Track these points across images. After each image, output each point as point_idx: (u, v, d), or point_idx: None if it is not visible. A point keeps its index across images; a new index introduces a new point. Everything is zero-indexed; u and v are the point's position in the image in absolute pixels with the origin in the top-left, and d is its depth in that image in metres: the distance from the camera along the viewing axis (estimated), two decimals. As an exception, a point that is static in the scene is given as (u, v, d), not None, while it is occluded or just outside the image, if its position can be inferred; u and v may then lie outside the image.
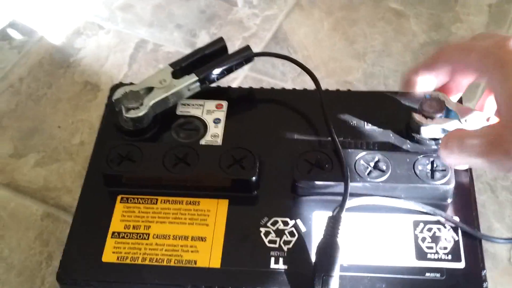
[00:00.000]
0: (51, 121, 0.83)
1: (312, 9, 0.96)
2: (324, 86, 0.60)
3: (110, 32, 0.92)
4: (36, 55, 0.90)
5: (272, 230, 0.51)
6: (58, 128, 0.83)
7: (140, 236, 0.51)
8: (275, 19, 0.94)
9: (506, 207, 0.76)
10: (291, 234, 0.51)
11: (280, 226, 0.51)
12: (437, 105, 0.54)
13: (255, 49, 0.90)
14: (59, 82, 0.87)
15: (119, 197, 0.53)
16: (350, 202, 0.51)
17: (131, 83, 0.58)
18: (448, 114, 0.54)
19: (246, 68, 0.88)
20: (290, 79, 0.86)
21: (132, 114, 0.55)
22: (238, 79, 0.87)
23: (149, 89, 0.56)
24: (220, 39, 0.58)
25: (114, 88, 0.58)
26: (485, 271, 0.49)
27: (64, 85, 0.86)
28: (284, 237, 0.51)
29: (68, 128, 0.83)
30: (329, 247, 0.48)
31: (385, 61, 0.90)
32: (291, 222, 0.52)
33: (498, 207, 0.76)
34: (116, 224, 0.52)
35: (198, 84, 0.57)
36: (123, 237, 0.51)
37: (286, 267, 0.49)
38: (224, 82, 0.63)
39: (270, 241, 0.51)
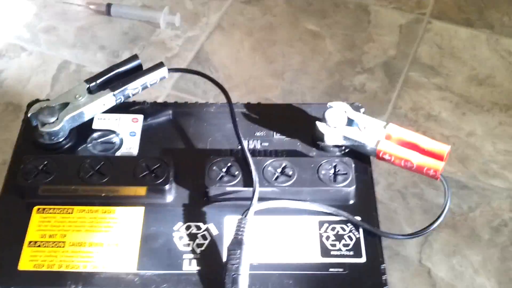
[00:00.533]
0: (-26, 142, 0.84)
1: (233, 31, 1.00)
2: (244, 102, 0.63)
3: (32, 53, 0.94)
4: (-43, 78, 0.91)
5: (186, 234, 0.54)
6: (-19, 148, 0.83)
7: (56, 244, 0.53)
8: (197, 40, 0.98)
9: (416, 213, 0.80)
10: (204, 237, 0.54)
11: (193, 230, 0.54)
12: (338, 115, 0.58)
13: (175, 73, 0.93)
14: (-19, 104, 0.87)
15: (35, 208, 0.55)
16: (259, 206, 0.54)
17: (47, 99, 0.59)
18: (349, 122, 0.58)
19: (168, 87, 0.91)
20: (212, 97, 0.89)
21: (48, 128, 0.57)
22: (161, 97, 0.89)
23: (65, 104, 0.58)
24: (135, 56, 0.61)
25: (31, 104, 0.59)
26: (384, 265, 0.52)
27: (-13, 106, 0.87)
28: (197, 241, 0.53)
29: (-10, 149, 0.83)
30: (237, 247, 0.51)
31: (303, 79, 0.95)
32: (204, 227, 0.54)
33: (409, 213, 0.80)
34: (33, 233, 0.53)
35: (113, 99, 0.59)
36: (39, 246, 0.52)
37: (199, 268, 0.52)
38: (148, 99, 0.65)
39: (184, 245, 0.53)
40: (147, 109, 0.62)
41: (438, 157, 0.55)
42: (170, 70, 0.61)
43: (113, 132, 0.60)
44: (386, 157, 0.56)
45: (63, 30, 0.97)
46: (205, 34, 0.99)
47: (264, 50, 0.98)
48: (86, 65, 0.92)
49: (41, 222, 0.54)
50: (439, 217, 0.54)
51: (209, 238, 0.54)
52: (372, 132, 0.57)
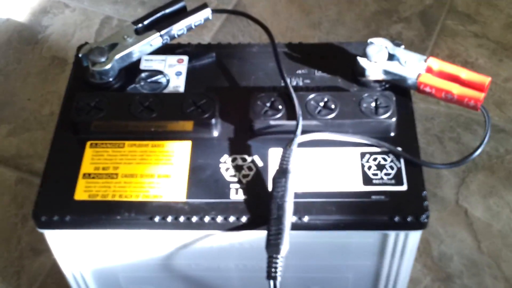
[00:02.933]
0: (22, 94, 0.87)
1: (269, -17, 1.01)
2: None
3: (75, 10, 0.96)
4: (4, 33, 0.94)
5: (232, 166, 0.56)
6: (28, 100, 0.86)
7: (109, 176, 0.55)
8: (234, -7, 0.99)
9: (453, 156, 0.82)
10: (249, 168, 0.56)
11: (239, 162, 0.56)
12: (379, 49, 0.59)
13: (217, 22, 0.95)
14: (28, 58, 0.90)
15: (88, 143, 0.57)
16: (302, 137, 0.55)
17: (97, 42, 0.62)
18: (390, 57, 0.59)
19: (207, 40, 0.92)
20: (253, 44, 0.90)
21: (98, 67, 0.59)
22: (202, 47, 0.91)
23: (114, 45, 0.60)
24: (179, -1, 0.63)
25: (81, 46, 0.62)
26: (425, 192, 0.54)
27: (33, 60, 0.90)
28: (243, 172, 0.55)
29: (38, 100, 0.86)
30: (283, 176, 0.53)
31: (339, 29, 0.96)
32: (249, 159, 0.56)
33: (446, 156, 0.82)
34: (87, 166, 0.56)
35: (159, 39, 0.61)
36: (93, 178, 0.55)
37: (245, 197, 0.54)
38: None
39: (230, 176, 0.55)
40: (192, 50, 0.64)
41: (479, 88, 0.56)
42: (214, 11, 0.63)
43: (160, 72, 0.62)
44: (427, 89, 0.57)
45: (104, -14, 0.99)
46: (242, -13, 1.00)
47: (301, 2, 0.99)
48: (127, 20, 0.94)
49: (94, 156, 0.56)
50: (479, 145, 0.55)
51: (254, 169, 0.56)
52: (412, 66, 0.58)
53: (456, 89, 0.56)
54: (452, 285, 0.71)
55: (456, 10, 0.97)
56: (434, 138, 0.83)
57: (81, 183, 0.55)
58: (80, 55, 0.60)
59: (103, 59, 0.59)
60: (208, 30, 0.93)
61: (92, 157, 0.56)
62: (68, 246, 0.57)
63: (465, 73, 0.57)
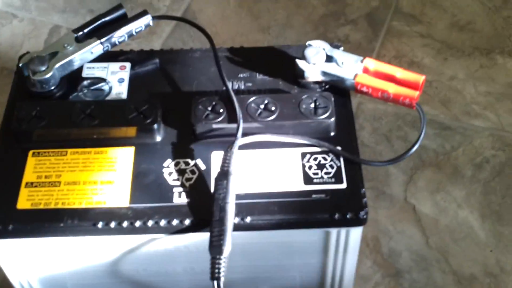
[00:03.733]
0: (-30, 106, 0.86)
1: (218, -11, 1.02)
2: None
3: (24, 20, 0.96)
4: (-49, 45, 0.93)
5: (175, 170, 0.56)
6: (-23, 112, 0.86)
7: (52, 184, 0.55)
8: (184, 0, 1.00)
9: (400, 154, 0.83)
10: (192, 172, 0.56)
11: (182, 166, 0.57)
12: (317, 51, 0.60)
13: (166, 27, 0.96)
14: (-24, 69, 0.90)
15: (30, 152, 0.57)
16: (243, 140, 0.56)
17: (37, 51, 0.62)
18: (328, 59, 0.60)
19: (157, 47, 0.93)
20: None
21: (39, 76, 0.59)
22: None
23: (54, 54, 0.60)
24: (119, 6, 0.63)
25: (22, 56, 0.62)
26: (364, 189, 0.55)
27: (-19, 72, 0.90)
28: (186, 175, 0.56)
29: (-14, 112, 0.86)
30: (224, 178, 0.54)
31: (288, 33, 0.97)
32: (192, 162, 0.57)
33: (394, 155, 0.83)
34: (29, 175, 0.56)
35: (100, 47, 0.61)
36: (36, 186, 0.55)
37: (188, 200, 0.55)
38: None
39: (174, 180, 0.56)
40: (134, 56, 0.64)
41: (414, 86, 0.58)
42: (155, 17, 0.63)
43: (102, 79, 0.62)
44: (364, 89, 0.59)
45: (52, -5, 0.99)
46: (191, -7, 1.01)
47: (250, 6, 1.00)
48: (76, 28, 0.94)
49: (36, 164, 0.56)
50: (415, 142, 0.57)
51: (197, 173, 0.56)
52: (350, 67, 0.59)
53: (392, 88, 0.57)
54: (401, 281, 0.73)
55: (402, 11, 0.99)
56: (382, 137, 0.85)
57: (24, 192, 0.55)
58: (20, 65, 0.60)
59: (43, 68, 0.59)
60: (157, 36, 0.94)
61: (35, 166, 0.56)
62: (13, 255, 0.57)
63: (400, 72, 0.58)
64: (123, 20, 0.63)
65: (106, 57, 0.63)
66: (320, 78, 0.61)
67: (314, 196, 0.55)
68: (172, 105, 0.60)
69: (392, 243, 0.75)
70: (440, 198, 0.79)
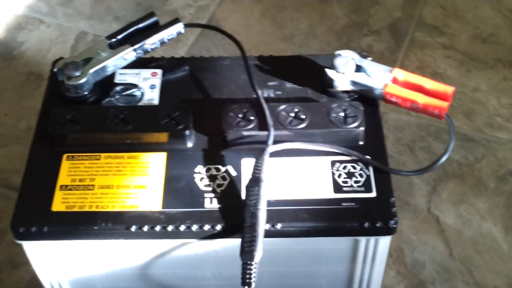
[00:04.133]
0: (-2, 110, 0.88)
1: (242, -2, 1.03)
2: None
3: (51, 26, 0.97)
4: (-20, 49, 0.95)
5: (206, 176, 0.57)
6: (5, 115, 0.87)
7: (86, 188, 0.56)
8: (208, 8, 1.01)
9: (423, 165, 0.83)
10: (223, 178, 0.57)
11: (213, 172, 0.57)
12: (346, 61, 0.61)
13: (191, 36, 0.97)
14: (4, 74, 0.91)
15: (65, 155, 0.58)
16: (274, 147, 0.57)
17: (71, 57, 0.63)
18: (357, 69, 0.61)
19: (182, 54, 0.94)
20: (225, 60, 0.92)
21: (73, 81, 0.60)
22: (175, 62, 0.93)
23: (88, 60, 0.61)
24: (152, 13, 0.64)
25: (56, 61, 0.63)
26: (393, 198, 0.55)
27: (9, 76, 0.91)
28: (217, 181, 0.57)
29: (14, 115, 0.87)
30: (256, 184, 0.54)
31: (311, 43, 0.98)
32: (223, 169, 0.58)
33: (417, 165, 0.84)
34: (64, 178, 0.57)
35: (133, 53, 0.62)
36: (70, 189, 0.56)
37: (219, 206, 0.55)
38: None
39: (205, 185, 0.56)
40: (166, 63, 0.65)
41: (443, 97, 0.58)
42: (186, 25, 0.64)
43: (134, 85, 0.63)
44: (393, 99, 0.59)
45: (79, 2, 1.01)
46: (216, 2, 1.02)
47: (273, 15, 1.01)
48: (102, 35, 0.95)
49: (71, 168, 0.57)
50: (445, 153, 0.57)
51: (228, 179, 0.57)
52: (379, 77, 0.60)
53: (421, 99, 0.58)
54: (424, 291, 0.73)
55: (425, 23, 0.99)
56: (405, 148, 0.85)
57: (58, 195, 0.56)
58: (55, 70, 0.61)
59: (77, 73, 0.60)
60: (182, 44, 0.95)
61: (69, 169, 0.57)
62: (46, 257, 0.57)
63: (429, 83, 0.59)
64: (155, 28, 0.64)
65: (138, 63, 0.64)
66: (349, 87, 0.61)
67: (343, 204, 0.55)
68: (203, 112, 0.61)
69: (415, 254, 0.76)
70: (463, 209, 0.79)
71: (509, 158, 0.83)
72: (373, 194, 0.56)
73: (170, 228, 0.54)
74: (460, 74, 0.93)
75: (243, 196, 0.55)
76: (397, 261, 0.75)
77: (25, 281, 0.74)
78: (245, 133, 0.58)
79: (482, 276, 0.73)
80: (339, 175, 0.57)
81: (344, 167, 0.57)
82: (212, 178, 0.57)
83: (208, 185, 0.57)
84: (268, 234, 0.54)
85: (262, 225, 0.53)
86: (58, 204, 0.55)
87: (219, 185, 0.57)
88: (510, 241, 0.76)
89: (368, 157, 0.58)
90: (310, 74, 0.64)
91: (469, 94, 0.90)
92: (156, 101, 0.62)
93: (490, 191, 0.81)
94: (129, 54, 0.62)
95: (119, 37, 0.63)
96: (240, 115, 0.58)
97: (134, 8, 0.99)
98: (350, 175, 0.57)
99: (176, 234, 0.54)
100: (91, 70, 0.61)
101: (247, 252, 0.52)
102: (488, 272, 0.74)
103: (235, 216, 0.54)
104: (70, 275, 0.60)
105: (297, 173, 0.57)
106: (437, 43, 0.96)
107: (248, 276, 0.52)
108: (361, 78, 0.60)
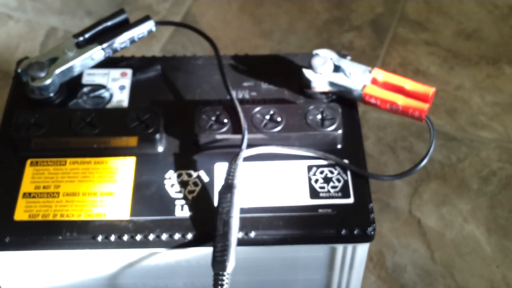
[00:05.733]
0: (-35, 109, 0.84)
1: (220, -8, 1.00)
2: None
3: (19, 21, 0.94)
4: None
5: (177, 181, 0.55)
6: (-28, 115, 0.84)
7: (50, 195, 0.54)
8: (184, 3, 0.98)
9: (405, 165, 0.81)
10: (195, 184, 0.55)
11: (185, 177, 0.55)
12: (324, 61, 0.58)
13: (166, 32, 0.94)
14: (-29, 72, 0.88)
15: (28, 161, 0.55)
16: (248, 151, 0.55)
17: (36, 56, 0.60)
18: (335, 69, 0.59)
19: (157, 50, 0.91)
20: (200, 58, 0.90)
21: (38, 82, 0.57)
22: (149, 60, 0.90)
23: (54, 59, 0.59)
24: (121, 11, 0.61)
25: (20, 61, 0.60)
26: (371, 204, 0.53)
27: (-24, 74, 0.88)
28: (188, 188, 0.54)
29: (-19, 115, 0.84)
30: (228, 191, 0.52)
31: (291, 38, 0.95)
32: (195, 174, 0.55)
33: (398, 166, 0.82)
34: (27, 185, 0.54)
35: (101, 53, 0.59)
36: (34, 197, 0.53)
37: (191, 213, 0.53)
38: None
39: (176, 192, 0.54)
40: (136, 63, 0.63)
41: (424, 98, 0.56)
42: (157, 23, 0.62)
43: (103, 86, 0.60)
44: (372, 101, 0.57)
45: (50, -3, 0.97)
46: (193, -3, 0.99)
47: (252, 11, 0.98)
48: (74, 31, 0.92)
49: (34, 174, 0.55)
50: (425, 157, 0.55)
51: (200, 185, 0.55)
52: (358, 77, 0.58)
53: (401, 100, 0.56)
54: (405, 295, 0.71)
55: (407, 18, 0.97)
56: (386, 148, 0.83)
57: (21, 203, 0.53)
58: (19, 70, 0.59)
59: (42, 74, 0.57)
60: (157, 40, 0.92)
61: (33, 176, 0.55)
62: (10, 268, 0.55)
63: (409, 84, 0.57)
64: (125, 26, 0.61)
65: (107, 63, 0.61)
66: (327, 88, 0.59)
67: (320, 210, 0.53)
68: (175, 114, 0.58)
69: (396, 258, 0.74)
70: (445, 211, 0.77)
71: (493, 158, 0.82)
72: (351, 200, 0.54)
73: (138, 237, 0.52)
74: (443, 71, 0.91)
75: (216, 203, 0.53)
76: (377, 265, 0.73)
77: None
78: (218, 136, 0.56)
79: (464, 279, 0.72)
80: (316, 180, 0.55)
81: (321, 172, 0.55)
82: (183, 184, 0.55)
83: (179, 192, 0.54)
84: (241, 242, 0.51)
85: (235, 234, 0.50)
86: (21, 213, 0.53)
87: (191, 192, 0.54)
88: (493, 243, 0.74)
89: (346, 161, 0.56)
90: (287, 74, 0.62)
91: (452, 92, 0.88)
92: (125, 103, 0.60)
93: (473, 192, 0.79)
94: (97, 53, 0.59)
95: (86, 35, 0.60)
96: (213, 118, 0.56)
97: (107, 2, 0.96)
98: (327, 180, 0.55)
99: (145, 244, 0.52)
100: (57, 71, 0.58)
101: (219, 262, 0.50)
102: (471, 275, 0.72)
103: (207, 224, 0.52)
104: (36, 286, 0.57)
105: (272, 178, 0.55)
106: (420, 39, 0.94)
107: (220, 286, 0.50)
108: (339, 78, 0.58)
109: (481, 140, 0.84)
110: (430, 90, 0.56)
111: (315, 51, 0.59)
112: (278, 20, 0.97)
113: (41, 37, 0.91)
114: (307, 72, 0.59)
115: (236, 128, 0.56)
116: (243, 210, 0.52)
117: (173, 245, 0.52)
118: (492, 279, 0.71)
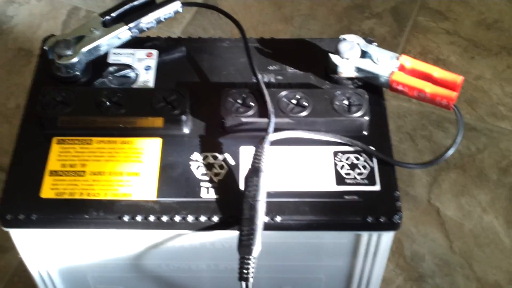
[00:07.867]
0: (-14, 87, 0.84)
1: (241, -23, 1.00)
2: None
3: (42, 0, 0.94)
4: (-33, 23, 0.91)
5: (203, 164, 0.54)
6: (-7, 93, 0.84)
7: (76, 174, 0.53)
8: (205, -14, 0.98)
9: (424, 154, 0.81)
10: (221, 167, 0.54)
11: (210, 160, 0.55)
12: (351, 46, 0.58)
13: (187, 14, 0.94)
14: (-8, 49, 0.88)
15: (55, 139, 0.55)
16: (274, 136, 0.54)
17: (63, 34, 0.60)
18: (362, 55, 0.58)
19: (178, 33, 0.91)
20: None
21: (65, 60, 0.57)
22: (170, 41, 0.89)
23: (80, 38, 0.58)
24: (149, -10, 0.61)
25: (47, 38, 0.60)
26: (398, 192, 0.53)
27: (-3, 51, 0.88)
28: (214, 170, 0.54)
29: (3, 93, 0.84)
30: (255, 175, 0.52)
31: (311, 24, 0.95)
32: (220, 157, 0.55)
33: (418, 154, 0.81)
34: (53, 163, 0.54)
35: (128, 32, 0.59)
36: (60, 175, 0.53)
37: (216, 196, 0.53)
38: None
39: (201, 174, 0.54)
40: (161, 44, 0.62)
41: (451, 87, 0.56)
42: (184, 4, 0.61)
43: (128, 66, 0.60)
44: (400, 88, 0.57)
45: (72, -24, 0.97)
46: (214, -20, 0.99)
47: (273, -5, 0.98)
48: (95, 10, 0.92)
49: (61, 152, 0.55)
50: (451, 145, 0.55)
51: (226, 168, 0.54)
52: (385, 64, 0.57)
53: (429, 88, 0.55)
54: (424, 285, 0.71)
55: (428, 7, 0.97)
56: (406, 136, 0.83)
57: (48, 181, 0.53)
58: (45, 48, 0.58)
59: (69, 52, 0.57)
60: (178, 22, 0.92)
61: (59, 154, 0.55)
62: (34, 245, 0.55)
63: (437, 72, 0.56)
64: (152, 6, 0.61)
65: (132, 43, 0.61)
66: (354, 74, 0.59)
67: (346, 197, 0.53)
68: (201, 96, 0.58)
69: (415, 246, 0.74)
70: (464, 201, 0.77)
71: (512, 149, 0.81)
72: (377, 187, 0.53)
73: (164, 218, 0.52)
74: (463, 61, 0.90)
75: (242, 187, 0.52)
76: (396, 253, 0.73)
77: (13, 267, 0.72)
78: (244, 119, 0.55)
79: (482, 270, 0.72)
80: (342, 167, 0.55)
81: (347, 158, 0.55)
82: (209, 166, 0.54)
83: (205, 174, 0.54)
84: (267, 227, 0.51)
85: (261, 218, 0.50)
86: (47, 190, 0.53)
87: (216, 174, 0.54)
88: (512, 235, 0.74)
89: (372, 148, 0.55)
90: (312, 58, 0.61)
91: (472, 82, 0.88)
92: (151, 84, 0.59)
93: (492, 183, 0.79)
94: (123, 33, 0.59)
95: (113, 14, 0.60)
96: (240, 101, 0.56)
97: (128, -17, 0.96)
98: (353, 166, 0.54)
99: (170, 225, 0.52)
100: (84, 49, 0.58)
101: (245, 246, 0.50)
102: (489, 266, 0.72)
103: (232, 208, 0.52)
104: (59, 264, 0.57)
105: (298, 163, 0.55)
106: (441, 28, 0.94)
107: (246, 270, 0.49)
108: (366, 64, 0.58)
109: (501, 130, 0.83)
110: (458, 78, 0.56)
111: (342, 36, 0.59)
112: (298, 5, 0.97)
113: (63, 16, 0.91)
114: (334, 57, 0.58)
115: (263, 111, 0.55)
116: (269, 195, 0.52)
117: (198, 227, 0.52)
118: (510, 271, 0.71)
